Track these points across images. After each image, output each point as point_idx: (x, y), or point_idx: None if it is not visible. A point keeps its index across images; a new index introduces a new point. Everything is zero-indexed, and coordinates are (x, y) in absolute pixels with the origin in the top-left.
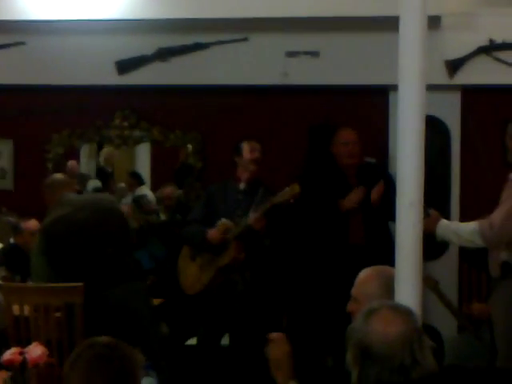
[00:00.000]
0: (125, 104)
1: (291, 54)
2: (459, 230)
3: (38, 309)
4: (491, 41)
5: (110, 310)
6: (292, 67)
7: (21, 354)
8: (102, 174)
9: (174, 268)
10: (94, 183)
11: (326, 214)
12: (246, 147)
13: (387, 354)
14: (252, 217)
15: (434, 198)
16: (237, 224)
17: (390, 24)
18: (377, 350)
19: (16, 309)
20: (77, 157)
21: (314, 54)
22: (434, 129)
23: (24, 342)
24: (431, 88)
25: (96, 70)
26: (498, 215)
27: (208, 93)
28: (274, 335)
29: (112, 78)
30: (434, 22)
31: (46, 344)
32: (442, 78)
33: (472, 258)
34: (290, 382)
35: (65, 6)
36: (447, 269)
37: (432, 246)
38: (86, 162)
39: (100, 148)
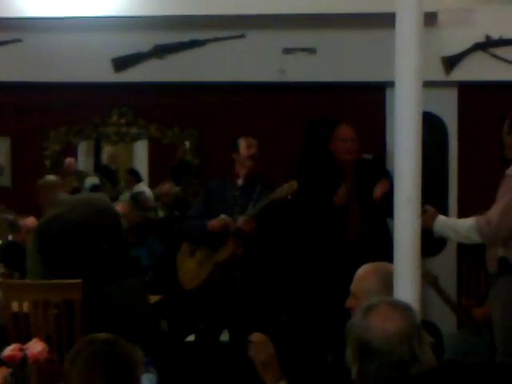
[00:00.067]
0: (122, 101)
1: (288, 51)
2: (457, 226)
3: (37, 305)
4: (488, 37)
5: (106, 308)
6: (289, 64)
7: (21, 350)
8: (106, 171)
9: (173, 264)
10: (92, 180)
11: (324, 210)
12: (242, 143)
13: (386, 349)
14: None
15: (432, 195)
16: (235, 220)
17: (386, 21)
18: (376, 345)
19: (15, 305)
20: (74, 154)
21: (311, 50)
22: (431, 125)
23: (24, 339)
24: (428, 84)
25: (93, 67)
26: (495, 211)
27: (205, 90)
28: (256, 337)
29: (109, 75)
30: (430, 19)
31: (46, 340)
32: (438, 74)
33: (470, 255)
34: (280, 382)
35: (61, 3)
36: (446, 265)
37: (430, 243)
38: (83, 160)
39: (97, 145)
